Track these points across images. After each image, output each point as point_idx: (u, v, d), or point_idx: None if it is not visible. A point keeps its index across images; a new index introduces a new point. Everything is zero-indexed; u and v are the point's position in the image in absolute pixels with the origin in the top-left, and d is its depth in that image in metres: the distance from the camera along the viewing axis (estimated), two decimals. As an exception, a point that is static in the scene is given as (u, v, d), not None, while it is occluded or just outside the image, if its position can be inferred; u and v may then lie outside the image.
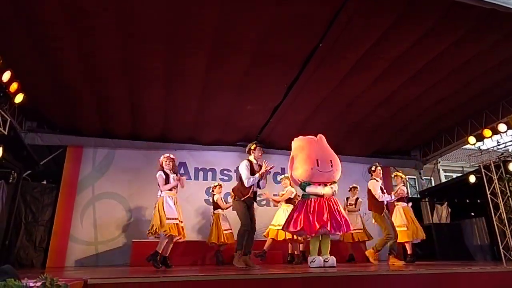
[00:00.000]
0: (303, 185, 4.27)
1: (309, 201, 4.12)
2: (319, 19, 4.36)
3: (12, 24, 4.19)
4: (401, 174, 6.37)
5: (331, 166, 4.24)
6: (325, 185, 4.18)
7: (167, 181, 4.75)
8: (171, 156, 4.98)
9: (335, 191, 4.26)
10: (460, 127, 7.77)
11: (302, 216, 4.04)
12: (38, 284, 1.87)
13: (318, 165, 4.18)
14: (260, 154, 4.52)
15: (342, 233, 4.15)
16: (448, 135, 8.20)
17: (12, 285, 1.80)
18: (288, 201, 6.11)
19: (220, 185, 6.70)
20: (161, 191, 4.74)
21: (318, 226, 3.90)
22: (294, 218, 4.14)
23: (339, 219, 3.97)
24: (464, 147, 9.30)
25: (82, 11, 4.02)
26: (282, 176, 6.73)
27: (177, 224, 4.58)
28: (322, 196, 4.11)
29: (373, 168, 5.53)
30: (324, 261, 3.99)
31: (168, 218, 4.56)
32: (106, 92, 5.79)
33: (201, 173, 7.84)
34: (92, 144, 7.15)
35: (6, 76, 4.61)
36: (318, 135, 4.54)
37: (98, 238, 6.66)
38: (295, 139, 4.61)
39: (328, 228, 3.90)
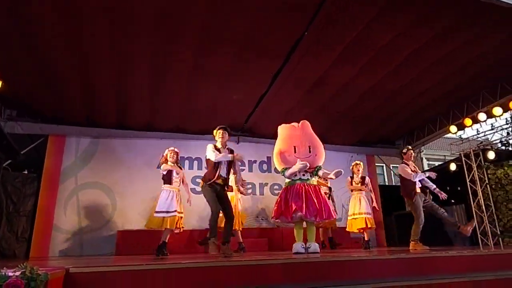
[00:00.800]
0: (282, 172, 4.29)
1: (289, 187, 4.15)
2: (304, 8, 4.35)
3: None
4: (360, 163, 6.37)
5: (310, 151, 4.21)
6: (307, 171, 4.19)
7: (169, 175, 4.86)
8: (176, 149, 5.08)
9: (321, 175, 4.27)
10: (443, 116, 7.93)
11: (282, 202, 4.08)
12: (17, 273, 1.85)
13: (295, 152, 4.18)
14: (224, 137, 4.33)
15: (320, 220, 4.12)
16: (431, 124, 8.37)
17: (-10, 274, 1.78)
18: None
19: None
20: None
21: (292, 210, 3.93)
22: (276, 206, 4.17)
23: (316, 205, 3.96)
24: (446, 136, 9.51)
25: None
26: None
27: (168, 217, 4.60)
28: (303, 181, 4.13)
29: (404, 151, 5.47)
30: (307, 247, 4.03)
31: (156, 212, 4.65)
32: (91, 80, 5.67)
33: (187, 162, 7.81)
34: (75, 133, 7.03)
35: (-17, 62, 4.46)
36: (301, 122, 4.51)
37: (82, 227, 6.61)
38: (279, 127, 4.62)
39: (303, 213, 3.92)
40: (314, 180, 4.29)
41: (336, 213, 5.86)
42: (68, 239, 6.46)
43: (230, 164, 4.28)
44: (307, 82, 6.16)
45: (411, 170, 5.21)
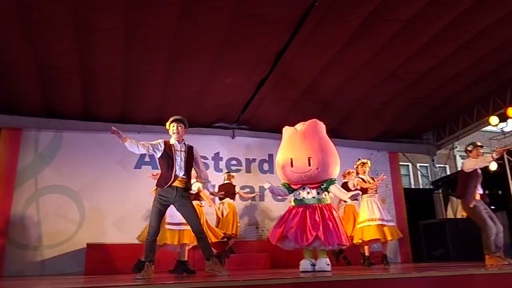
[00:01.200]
0: (284, 187, 4.37)
1: (291, 209, 4.24)
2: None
3: None
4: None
5: (309, 164, 4.13)
6: (310, 187, 4.20)
7: None
8: None
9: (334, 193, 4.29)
10: (481, 105, 7.94)
11: (282, 226, 4.13)
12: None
13: (292, 166, 4.19)
14: (179, 131, 4.18)
15: (326, 247, 4.16)
16: (466, 115, 8.38)
17: None
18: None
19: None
20: None
21: (287, 239, 4.03)
22: (277, 226, 4.26)
23: (311, 231, 3.96)
24: (484, 129, 9.54)
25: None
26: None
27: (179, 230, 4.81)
28: (305, 204, 4.17)
29: (469, 148, 5.51)
30: (311, 264, 4.10)
31: (168, 223, 4.82)
32: (50, 61, 5.63)
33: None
34: (33, 125, 7.00)
35: None
36: (306, 124, 4.44)
37: (43, 241, 6.60)
38: (284, 128, 4.65)
39: (300, 243, 3.98)
40: (324, 198, 4.27)
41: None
42: (26, 255, 6.46)
43: (189, 160, 4.08)
44: (317, 63, 6.16)
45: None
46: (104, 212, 7.05)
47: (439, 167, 10.36)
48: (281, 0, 4.77)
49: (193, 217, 3.93)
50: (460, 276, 3.28)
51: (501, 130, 7.88)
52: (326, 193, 4.28)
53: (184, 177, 3.98)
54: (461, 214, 8.75)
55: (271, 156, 8.28)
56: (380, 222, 5.56)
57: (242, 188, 7.97)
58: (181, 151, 4.08)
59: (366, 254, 5.83)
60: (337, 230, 4.00)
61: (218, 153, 8.10)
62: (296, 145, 4.29)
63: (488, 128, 8.64)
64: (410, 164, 13.92)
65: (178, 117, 4.27)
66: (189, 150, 4.15)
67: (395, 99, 7.41)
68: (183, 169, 4.00)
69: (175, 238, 4.82)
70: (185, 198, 3.94)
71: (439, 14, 5.18)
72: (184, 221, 4.35)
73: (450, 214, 8.81)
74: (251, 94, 6.96)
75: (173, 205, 3.95)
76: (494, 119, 7.57)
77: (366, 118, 8.04)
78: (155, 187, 4.18)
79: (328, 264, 4.08)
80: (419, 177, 15.69)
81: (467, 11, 5.08)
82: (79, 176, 7.10)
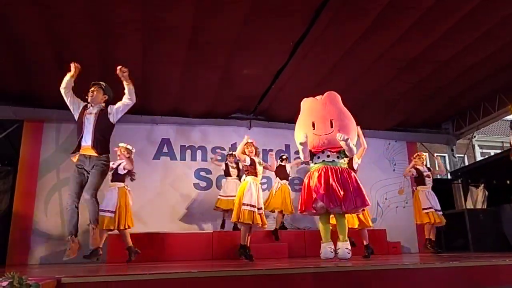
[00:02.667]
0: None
1: (311, 173, 4.15)
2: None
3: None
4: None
5: (331, 126, 4.08)
6: (330, 151, 4.13)
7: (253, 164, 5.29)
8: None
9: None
10: (503, 93, 7.78)
11: (304, 191, 4.08)
12: (4, 284, 1.92)
13: (314, 128, 4.14)
14: (94, 94, 4.14)
15: (348, 209, 4.09)
16: (487, 104, 8.22)
17: (-27, 285, 1.85)
18: None
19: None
20: (246, 175, 5.40)
21: (312, 200, 3.93)
22: (300, 196, 4.21)
23: (339, 191, 3.86)
24: (505, 118, 9.36)
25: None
26: None
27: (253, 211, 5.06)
28: (327, 164, 4.09)
29: None
30: (335, 251, 4.03)
31: (244, 204, 5.07)
32: (71, 54, 5.69)
33: (188, 152, 7.88)
34: (54, 117, 7.11)
35: None
36: (326, 93, 4.40)
37: (66, 231, 6.75)
38: (302, 101, 4.63)
39: (324, 202, 3.88)
40: (343, 162, 4.23)
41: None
42: (50, 244, 6.62)
43: (102, 121, 3.97)
44: (335, 53, 6.11)
45: None
46: (124, 202, 7.16)
47: (458, 157, 10.21)
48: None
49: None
50: (483, 267, 3.25)
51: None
52: (346, 158, 4.26)
53: (91, 143, 3.92)
54: (480, 204, 8.67)
55: (287, 147, 8.29)
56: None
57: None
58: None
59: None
60: (358, 192, 3.99)
61: (235, 143, 8.11)
62: (317, 110, 4.28)
63: (510, 117, 8.46)
64: (428, 153, 13.70)
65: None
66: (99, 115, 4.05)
67: (413, 89, 7.31)
68: (91, 133, 3.94)
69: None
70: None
71: (460, 1, 5.06)
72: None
73: (470, 205, 8.68)
74: (268, 85, 6.95)
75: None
76: (516, 108, 7.41)
77: (384, 108, 7.97)
78: None
79: (349, 252, 4.02)
80: (437, 166, 15.46)
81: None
82: (100, 167, 7.21)
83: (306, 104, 4.48)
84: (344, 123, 4.16)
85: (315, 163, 4.19)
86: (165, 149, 7.77)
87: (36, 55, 5.70)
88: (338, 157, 4.17)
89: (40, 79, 6.32)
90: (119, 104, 4.08)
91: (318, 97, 4.46)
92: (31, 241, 6.52)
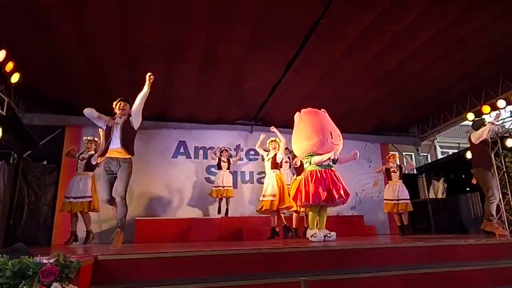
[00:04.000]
0: (309, 157, 4.30)
1: (317, 172, 4.17)
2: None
3: (6, 3, 4.08)
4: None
5: (339, 139, 4.35)
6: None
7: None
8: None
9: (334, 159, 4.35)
10: (459, 103, 7.77)
11: (310, 187, 4.10)
12: (52, 260, 1.93)
13: (332, 137, 4.23)
14: (119, 110, 3.95)
15: (341, 202, 4.22)
16: (446, 111, 8.22)
17: (27, 262, 1.86)
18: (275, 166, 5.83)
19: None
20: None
21: (323, 195, 3.99)
22: (304, 190, 4.20)
23: (341, 190, 4.09)
24: (462, 123, 9.35)
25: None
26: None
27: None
28: (327, 165, 4.21)
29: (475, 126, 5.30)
30: (326, 235, 4.09)
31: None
32: (105, 70, 5.73)
33: (201, 151, 7.88)
34: (91, 123, 7.03)
35: (1, 55, 4.55)
36: (322, 110, 4.57)
37: (101, 216, 6.75)
38: (302, 110, 4.61)
39: (335, 198, 4.01)
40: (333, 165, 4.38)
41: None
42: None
43: (128, 129, 3.85)
44: (322, 69, 6.10)
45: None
46: (148, 193, 7.18)
47: (423, 155, 10.22)
48: (291, 18, 4.72)
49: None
50: (443, 246, 3.26)
51: (481, 120, 7.70)
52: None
53: (119, 146, 3.84)
54: (441, 195, 8.67)
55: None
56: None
57: (259, 173, 8.02)
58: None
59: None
60: (345, 189, 4.20)
61: (239, 145, 8.13)
62: (329, 123, 4.42)
63: (466, 122, 8.46)
64: (397, 153, 13.71)
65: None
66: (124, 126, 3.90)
67: (385, 99, 7.31)
68: (119, 137, 3.84)
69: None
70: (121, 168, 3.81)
71: (424, 27, 5.07)
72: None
73: (432, 195, 8.70)
74: (266, 96, 6.93)
75: None
76: (470, 115, 7.40)
77: (363, 115, 7.96)
78: None
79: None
80: (405, 163, 15.44)
81: (447, 24, 4.97)
82: (128, 164, 7.21)
83: (315, 115, 4.50)
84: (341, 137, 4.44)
85: (322, 165, 4.25)
86: (181, 150, 7.77)
87: (75, 72, 5.72)
88: (333, 162, 4.32)
89: (79, 92, 6.34)
90: (133, 115, 3.96)
91: (319, 110, 4.53)
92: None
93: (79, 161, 5.62)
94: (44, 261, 1.93)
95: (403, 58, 5.82)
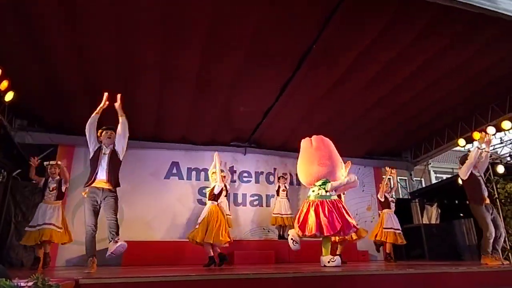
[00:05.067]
0: (324, 184, 4.29)
1: (319, 202, 4.19)
2: (312, 20, 4.41)
3: (2, 20, 4.14)
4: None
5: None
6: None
7: None
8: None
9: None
10: (450, 129, 7.88)
11: (316, 218, 4.10)
12: (30, 284, 1.86)
13: (343, 166, 4.45)
14: (106, 139, 3.97)
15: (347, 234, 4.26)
16: (438, 137, 8.31)
17: (3, 285, 1.80)
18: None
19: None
20: None
21: (332, 227, 3.99)
22: (310, 220, 4.17)
23: (344, 221, 4.09)
24: (454, 149, 9.44)
25: (75, 5, 4.00)
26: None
27: None
28: (331, 198, 4.24)
29: (462, 160, 5.19)
30: (330, 261, 4.07)
31: None
32: (99, 90, 5.72)
33: (193, 173, 7.83)
34: (83, 143, 6.96)
35: (-4, 74, 4.57)
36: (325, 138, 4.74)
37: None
38: (314, 137, 4.63)
39: (340, 230, 4.05)
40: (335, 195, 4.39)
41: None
42: (76, 249, 6.43)
43: (114, 161, 3.83)
44: (315, 94, 6.18)
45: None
46: (139, 214, 7.05)
47: (416, 180, 10.23)
48: (283, 44, 4.81)
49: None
50: (436, 274, 3.21)
51: (468, 150, 7.79)
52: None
53: (105, 178, 3.83)
54: (434, 220, 8.62)
55: (275, 170, 8.26)
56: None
57: (252, 195, 7.97)
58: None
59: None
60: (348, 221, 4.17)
61: (232, 166, 8.10)
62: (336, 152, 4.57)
63: (457, 148, 8.55)
64: (391, 177, 13.72)
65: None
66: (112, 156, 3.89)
67: (379, 124, 7.39)
68: (106, 168, 3.81)
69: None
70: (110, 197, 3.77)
71: (415, 56, 5.20)
72: None
73: (425, 220, 8.63)
74: (259, 119, 6.99)
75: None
76: (462, 141, 7.51)
77: (355, 140, 8.01)
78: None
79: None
80: (399, 188, 15.43)
81: (437, 54, 5.12)
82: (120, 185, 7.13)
83: (328, 142, 4.67)
84: None
85: (330, 194, 4.28)
86: (174, 170, 7.72)
87: (69, 91, 5.73)
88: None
89: (72, 111, 6.33)
90: (117, 145, 3.95)
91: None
92: (59, 247, 6.34)
93: (48, 190, 5.17)
94: (22, 284, 1.86)
95: (393, 86, 5.95)
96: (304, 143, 4.65)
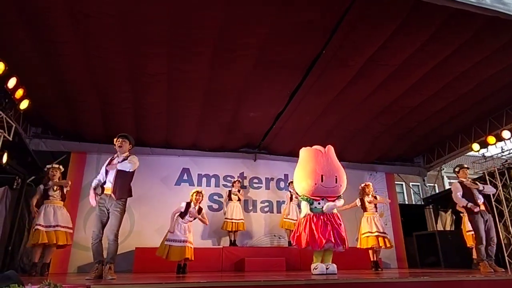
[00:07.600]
0: (303, 199, 4.30)
1: (314, 216, 4.13)
2: (322, 26, 4.39)
3: (17, 30, 4.25)
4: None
5: (336, 181, 4.17)
6: (328, 200, 4.17)
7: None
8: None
9: (338, 206, 4.27)
10: (464, 134, 7.74)
11: (310, 231, 4.04)
12: (42, 289, 1.88)
13: (322, 181, 4.12)
14: (118, 148, 3.96)
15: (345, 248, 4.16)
16: (452, 142, 8.17)
17: (16, 290, 1.82)
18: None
19: None
20: None
21: (324, 242, 3.93)
22: (300, 235, 4.16)
23: (342, 235, 4.05)
24: (468, 154, 9.25)
25: (86, 16, 4.07)
26: None
27: None
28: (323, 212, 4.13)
29: (457, 169, 5.28)
30: (325, 268, 4.00)
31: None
32: (110, 98, 5.84)
33: (204, 179, 7.85)
34: (95, 150, 7.17)
35: (12, 82, 4.67)
36: (327, 147, 4.45)
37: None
38: (303, 149, 4.58)
39: (333, 245, 3.99)
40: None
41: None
42: (87, 256, 6.47)
43: (122, 173, 3.81)
44: (324, 99, 6.16)
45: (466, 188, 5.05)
46: (150, 221, 7.08)
47: (429, 186, 10.05)
48: (293, 50, 4.82)
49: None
50: (451, 282, 3.12)
51: (482, 155, 7.63)
52: None
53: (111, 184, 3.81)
54: (449, 227, 8.43)
55: (286, 176, 8.22)
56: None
57: (262, 202, 7.93)
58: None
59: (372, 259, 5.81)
60: (344, 235, 4.10)
61: (242, 173, 8.09)
62: (324, 164, 4.26)
63: (471, 153, 8.37)
64: (403, 183, 13.54)
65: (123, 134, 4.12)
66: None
67: (390, 129, 7.31)
68: (113, 175, 3.83)
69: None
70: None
71: (426, 60, 5.14)
72: None
73: (440, 227, 8.46)
74: (270, 125, 6.97)
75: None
76: (476, 146, 7.35)
77: (366, 145, 7.94)
78: None
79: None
80: (412, 194, 15.20)
81: (449, 57, 5.05)
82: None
83: (311, 154, 4.41)
84: (343, 179, 4.31)
85: (315, 207, 4.19)
86: (185, 177, 7.75)
87: (82, 100, 5.83)
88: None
89: (85, 119, 6.45)
90: (125, 165, 3.90)
91: (321, 149, 4.44)
92: (71, 253, 6.42)
93: (52, 190, 5.20)
94: (34, 290, 1.88)
95: (405, 89, 5.88)
96: (300, 153, 4.61)
